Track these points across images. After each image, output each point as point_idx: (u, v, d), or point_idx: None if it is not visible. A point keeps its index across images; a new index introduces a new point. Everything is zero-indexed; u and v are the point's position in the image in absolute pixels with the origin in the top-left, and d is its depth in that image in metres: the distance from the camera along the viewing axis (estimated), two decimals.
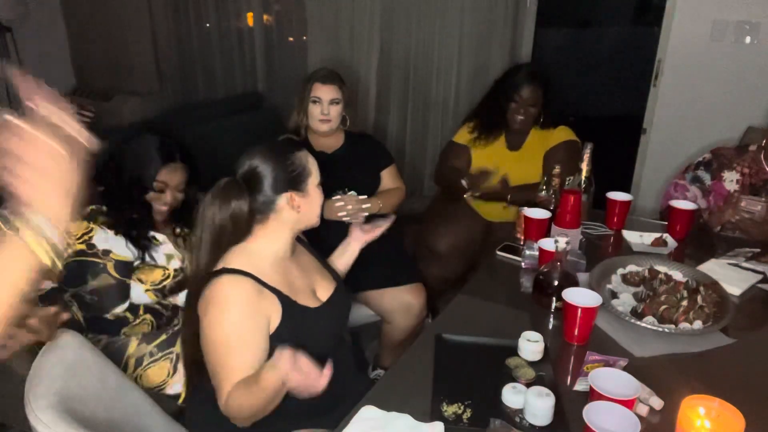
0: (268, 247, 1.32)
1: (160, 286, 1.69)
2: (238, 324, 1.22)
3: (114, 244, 1.63)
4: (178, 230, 1.80)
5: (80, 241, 1.60)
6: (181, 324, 1.62)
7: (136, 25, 4.45)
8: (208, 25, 4.25)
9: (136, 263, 1.65)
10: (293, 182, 1.31)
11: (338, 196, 2.06)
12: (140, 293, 1.67)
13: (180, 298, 1.74)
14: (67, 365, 1.28)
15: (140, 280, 1.67)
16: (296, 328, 1.28)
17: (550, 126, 2.36)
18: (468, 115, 2.54)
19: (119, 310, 1.64)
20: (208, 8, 4.19)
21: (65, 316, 1.12)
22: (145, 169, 1.66)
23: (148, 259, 1.67)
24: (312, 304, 1.35)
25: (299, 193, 1.32)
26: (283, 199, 1.30)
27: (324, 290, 1.43)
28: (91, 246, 1.60)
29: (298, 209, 1.32)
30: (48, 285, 1.74)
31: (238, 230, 1.29)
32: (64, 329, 1.36)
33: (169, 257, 1.72)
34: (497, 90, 2.38)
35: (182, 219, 1.78)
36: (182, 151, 1.72)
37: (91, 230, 1.61)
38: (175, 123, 2.89)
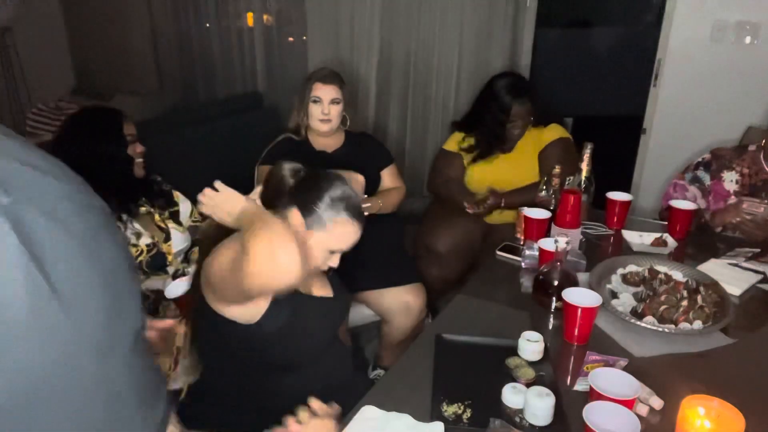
0: None
1: (136, 262, 1.74)
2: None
3: None
4: (142, 209, 1.84)
5: None
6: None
7: (136, 25, 4.45)
8: (208, 25, 4.24)
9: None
10: (312, 220, 1.26)
11: None
12: None
13: (169, 288, 1.75)
14: None
15: None
16: (289, 310, 1.26)
17: (541, 124, 2.36)
18: (456, 123, 2.52)
19: None
20: (208, 8, 4.18)
21: (181, 329, 1.07)
22: (111, 132, 1.77)
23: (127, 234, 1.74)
24: (304, 291, 1.35)
25: (308, 231, 1.26)
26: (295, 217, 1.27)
27: (321, 290, 1.42)
28: None
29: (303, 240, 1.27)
30: None
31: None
32: None
33: (138, 235, 1.77)
34: (485, 105, 2.36)
35: (139, 197, 1.85)
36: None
37: None
38: (175, 123, 2.89)
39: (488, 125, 2.34)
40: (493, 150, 2.37)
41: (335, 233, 1.27)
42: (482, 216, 2.31)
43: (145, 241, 1.77)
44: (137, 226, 1.78)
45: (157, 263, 1.78)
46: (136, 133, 1.83)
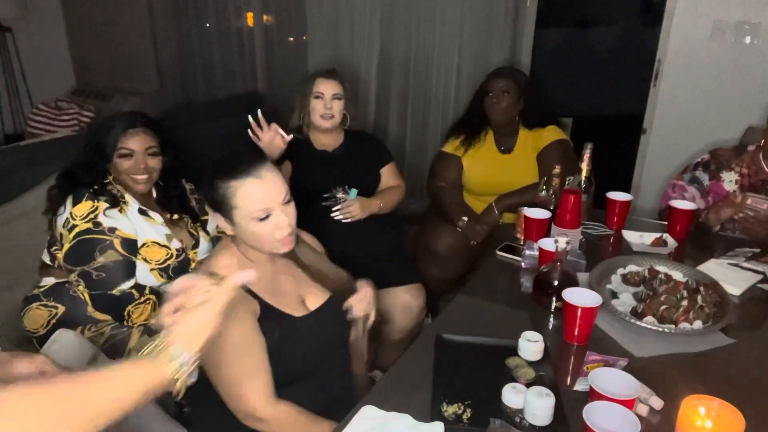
0: (249, 248, 1.32)
1: (164, 265, 1.73)
2: (234, 331, 1.20)
3: (119, 222, 1.67)
4: (169, 216, 1.83)
5: (86, 220, 1.64)
6: None
7: (136, 25, 4.45)
8: (208, 25, 4.24)
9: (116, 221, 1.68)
10: (219, 208, 1.29)
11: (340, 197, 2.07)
12: (146, 273, 1.71)
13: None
14: (66, 365, 1.28)
15: (145, 260, 1.69)
16: (276, 335, 1.27)
17: (538, 126, 2.37)
18: (453, 126, 2.54)
19: (125, 286, 1.67)
20: (208, 8, 4.18)
21: None
22: (106, 136, 1.71)
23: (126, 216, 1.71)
24: (297, 312, 1.33)
25: (228, 220, 1.30)
26: (218, 218, 1.31)
27: (314, 300, 1.40)
28: (97, 224, 1.64)
29: (233, 234, 1.31)
30: (50, 281, 1.75)
31: None
32: (63, 329, 1.37)
33: (170, 237, 1.77)
34: (475, 97, 2.43)
35: (171, 205, 1.85)
36: (148, 120, 1.76)
37: (95, 209, 1.65)
38: (175, 123, 2.88)
39: (471, 106, 2.43)
40: (478, 128, 2.40)
41: (249, 205, 1.24)
42: (480, 238, 2.32)
43: (176, 245, 1.77)
44: (168, 230, 1.78)
45: (182, 269, 1.78)
46: (143, 148, 1.71)
